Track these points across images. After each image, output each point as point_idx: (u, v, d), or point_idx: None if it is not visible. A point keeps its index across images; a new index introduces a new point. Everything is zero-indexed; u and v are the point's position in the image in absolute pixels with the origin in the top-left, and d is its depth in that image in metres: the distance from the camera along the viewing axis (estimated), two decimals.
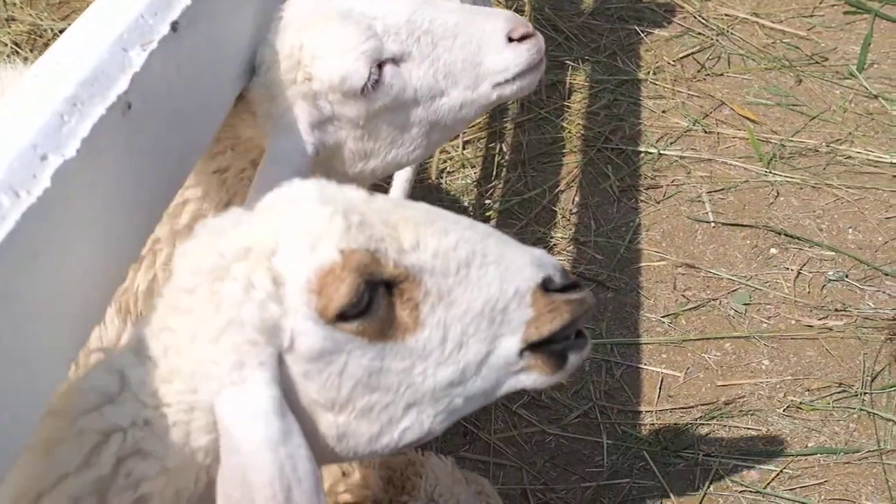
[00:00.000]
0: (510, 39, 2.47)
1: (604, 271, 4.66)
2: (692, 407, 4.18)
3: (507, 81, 2.49)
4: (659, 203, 5.04)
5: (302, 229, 1.64)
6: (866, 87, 5.74)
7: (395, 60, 2.39)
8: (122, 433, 1.65)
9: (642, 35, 6.14)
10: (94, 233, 1.68)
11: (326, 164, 2.43)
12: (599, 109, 5.55)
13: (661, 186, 5.14)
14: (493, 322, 1.72)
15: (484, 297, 1.71)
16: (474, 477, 2.56)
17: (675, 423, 4.11)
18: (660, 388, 4.24)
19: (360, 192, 1.78)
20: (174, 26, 1.94)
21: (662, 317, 4.51)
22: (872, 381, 4.20)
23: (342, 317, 1.62)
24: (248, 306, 1.61)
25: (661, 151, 5.31)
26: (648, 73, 5.85)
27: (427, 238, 1.69)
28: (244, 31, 2.38)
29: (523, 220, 4.89)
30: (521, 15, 6.15)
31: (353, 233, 1.63)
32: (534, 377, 1.79)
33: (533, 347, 1.76)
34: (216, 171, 2.51)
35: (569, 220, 4.91)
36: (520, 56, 2.47)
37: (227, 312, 1.62)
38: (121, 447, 1.65)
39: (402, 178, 4.33)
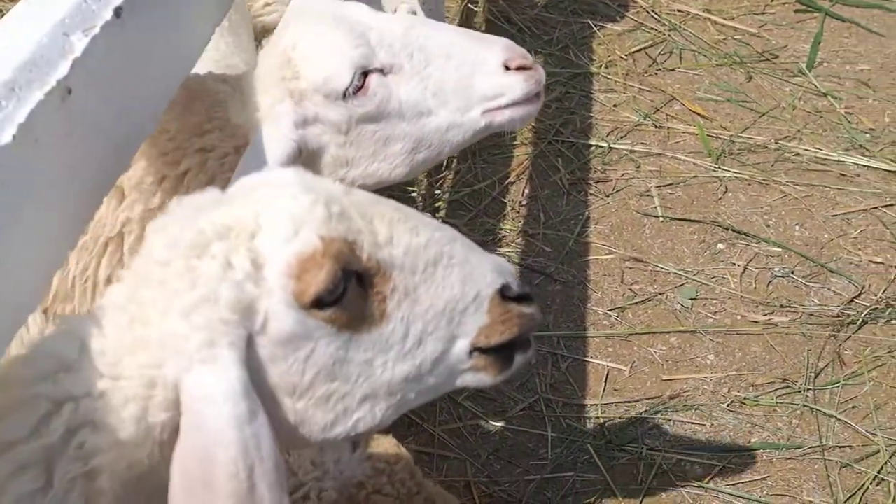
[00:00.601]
0: (507, 68, 2.43)
1: (552, 264, 4.66)
2: (637, 401, 4.19)
3: (498, 108, 2.46)
4: (608, 197, 5.05)
5: (284, 214, 1.66)
6: (816, 85, 5.78)
7: (384, 71, 2.39)
8: (74, 403, 1.64)
9: (595, 29, 6.15)
10: (28, 219, 1.66)
11: (308, 166, 2.42)
12: (551, 102, 5.55)
13: (611, 180, 5.15)
14: (452, 322, 1.78)
15: (446, 297, 1.76)
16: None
17: (619, 417, 4.13)
18: (605, 382, 4.25)
19: (338, 184, 1.81)
20: (117, 12, 1.92)
21: (609, 310, 4.52)
22: (816, 377, 4.23)
23: (317, 303, 1.65)
24: (225, 285, 1.63)
25: (612, 145, 5.32)
26: (600, 66, 5.87)
27: (400, 235, 1.74)
28: (193, 19, 2.36)
29: (472, 211, 4.89)
30: (476, 7, 6.16)
31: (334, 222, 1.67)
32: (479, 377, 1.84)
33: (481, 349, 1.82)
34: (200, 150, 2.49)
35: (518, 212, 4.91)
36: (515, 84, 2.43)
37: (202, 289, 1.63)
38: (72, 417, 1.64)
39: None
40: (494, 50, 2.43)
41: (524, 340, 1.86)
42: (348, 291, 1.68)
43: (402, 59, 2.40)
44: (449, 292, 1.77)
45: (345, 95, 2.36)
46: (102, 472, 1.65)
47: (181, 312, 1.63)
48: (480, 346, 1.81)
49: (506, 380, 1.90)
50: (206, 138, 2.50)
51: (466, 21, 6.16)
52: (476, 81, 2.42)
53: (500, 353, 1.83)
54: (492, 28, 6.11)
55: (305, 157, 2.43)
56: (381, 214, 1.74)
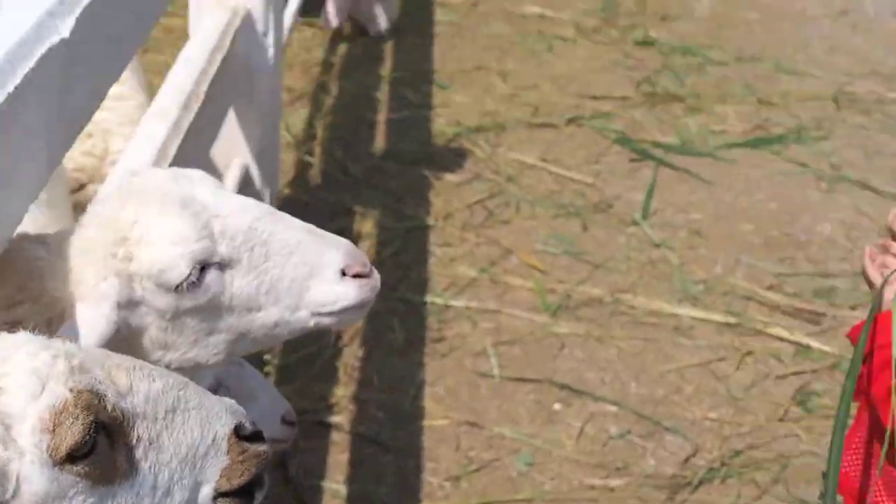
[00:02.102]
0: (343, 273, 2.38)
1: (384, 430, 4.56)
2: None
3: (329, 314, 2.40)
4: (444, 357, 4.99)
5: (26, 371, 1.63)
6: (650, 235, 5.84)
7: (222, 265, 2.30)
8: None
9: (432, 180, 6.15)
10: None
11: (126, 342, 2.30)
12: (387, 258, 5.51)
13: (447, 339, 5.09)
14: (195, 468, 1.77)
15: (188, 443, 1.75)
16: None
17: None
18: None
19: (69, 342, 1.79)
20: None
21: (444, 479, 4.42)
22: None
23: (70, 458, 1.60)
24: None
25: (448, 302, 5.28)
26: (437, 219, 5.85)
27: (138, 383, 1.72)
28: (6, 197, 2.22)
29: (303, 377, 4.76)
30: (312, 158, 6.13)
31: (77, 374, 1.65)
32: None
33: (225, 493, 1.82)
34: (9, 323, 2.27)
35: (350, 375, 4.81)
36: (350, 293, 2.38)
37: None
38: None
39: None
40: (335, 256, 2.37)
41: (260, 478, 1.86)
42: (98, 444, 1.64)
43: (242, 252, 2.31)
44: (189, 437, 1.76)
45: (177, 288, 2.26)
46: None
47: None
48: (223, 491, 1.80)
49: None
50: (16, 311, 2.34)
51: (302, 172, 6.11)
52: (312, 285, 2.36)
53: (240, 495, 1.83)
54: (328, 180, 6.08)
55: (125, 334, 2.30)
56: (118, 365, 1.73)
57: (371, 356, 4.92)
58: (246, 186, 4.96)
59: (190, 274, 2.24)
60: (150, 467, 1.71)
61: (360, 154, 6.36)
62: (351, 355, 4.91)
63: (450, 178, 6.22)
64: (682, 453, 4.56)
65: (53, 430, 1.59)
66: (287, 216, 2.41)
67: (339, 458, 4.44)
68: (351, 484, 4.17)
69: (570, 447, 4.60)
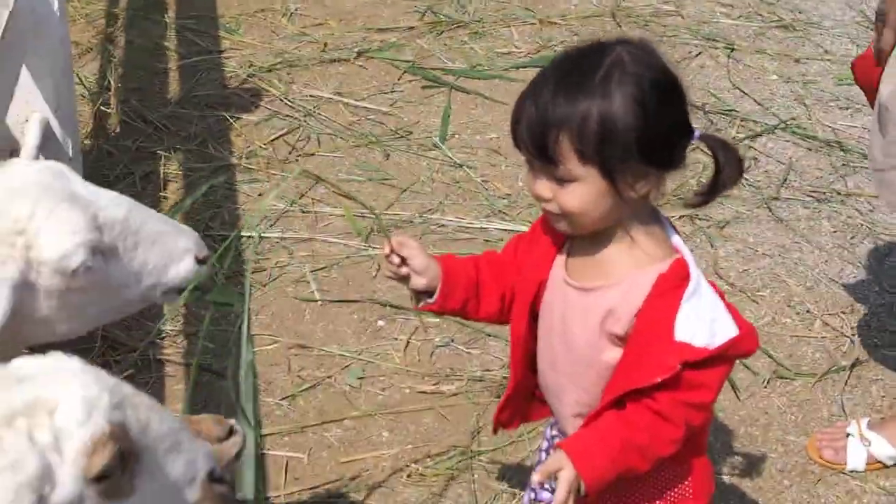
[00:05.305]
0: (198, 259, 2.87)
1: (217, 360, 4.61)
2: (318, 487, 4.20)
3: (178, 290, 2.89)
4: (265, 286, 5.06)
5: (79, 399, 1.93)
6: (450, 157, 6.01)
7: (104, 252, 2.66)
8: None
9: (231, 121, 6.18)
10: None
11: (16, 318, 2.57)
12: (197, 198, 5.52)
13: (266, 269, 5.16)
14: (174, 500, 2.13)
15: (174, 477, 2.09)
16: None
17: None
18: (285, 472, 4.24)
19: (110, 377, 2.08)
20: None
21: (280, 399, 4.52)
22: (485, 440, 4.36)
23: (97, 479, 1.92)
24: (31, 453, 1.87)
25: (263, 234, 5.34)
26: (241, 157, 5.89)
27: (153, 423, 2.04)
28: None
29: (133, 316, 4.74)
30: (109, 109, 6.07)
31: (114, 410, 1.96)
32: None
33: None
34: None
35: (178, 311, 4.84)
36: (199, 273, 2.88)
37: (10, 455, 1.86)
38: None
39: None
40: (189, 243, 2.87)
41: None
42: (116, 468, 1.96)
43: (119, 240, 2.70)
44: (176, 472, 2.09)
45: (73, 273, 2.59)
46: None
47: None
48: None
49: None
50: None
51: (101, 123, 6.06)
52: (170, 267, 2.81)
53: None
54: (127, 129, 6.04)
55: (14, 314, 2.58)
56: (140, 404, 2.04)
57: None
58: (47, 139, 4.91)
59: (85, 259, 2.59)
60: (145, 492, 2.03)
61: (157, 102, 6.33)
62: None
63: (248, 117, 6.25)
64: (505, 357, 4.74)
65: (91, 455, 1.91)
66: (147, 209, 2.82)
67: (175, 388, 4.49)
68: (191, 411, 4.20)
69: (398, 359, 4.74)
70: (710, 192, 2.80)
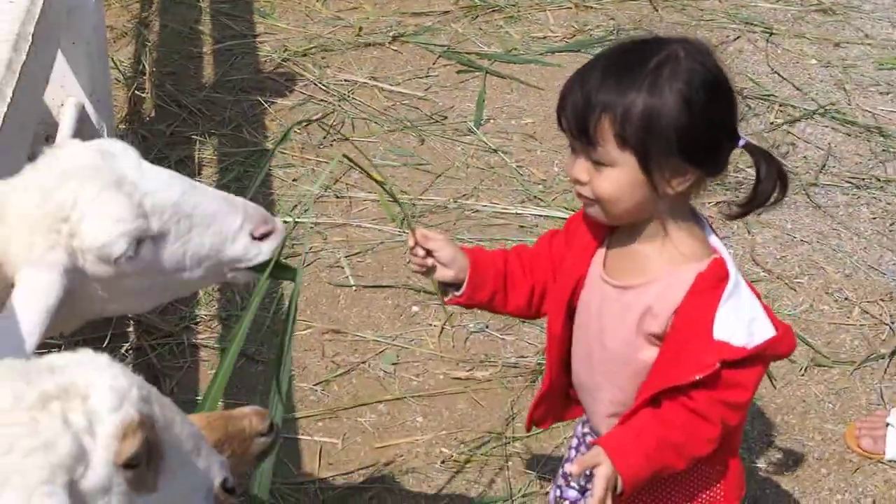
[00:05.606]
0: (253, 237, 2.76)
1: (252, 346, 4.61)
2: (353, 472, 4.20)
3: (245, 269, 2.81)
4: None
5: (110, 388, 1.96)
6: (485, 142, 5.98)
7: (153, 238, 2.61)
8: None
9: (266, 105, 6.17)
10: None
11: (70, 300, 2.56)
12: (230, 182, 5.53)
13: (300, 255, 5.15)
14: (195, 500, 2.13)
15: (192, 483, 2.11)
16: None
17: (338, 491, 4.11)
18: (319, 457, 4.23)
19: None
20: None
21: (314, 385, 4.51)
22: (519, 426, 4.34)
23: (127, 465, 1.93)
24: (65, 436, 1.87)
25: (297, 220, 5.34)
26: (283, 140, 5.84)
27: (174, 423, 2.06)
28: None
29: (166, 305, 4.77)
30: (143, 94, 6.08)
31: (142, 403, 1.99)
32: None
33: None
34: None
35: (212, 296, 4.84)
36: (264, 251, 2.78)
37: (44, 436, 1.86)
38: None
39: None
40: (243, 222, 2.75)
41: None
42: (143, 460, 1.97)
43: (171, 224, 2.63)
44: (195, 478, 2.12)
45: (116, 261, 2.55)
46: None
47: (23, 453, 1.84)
48: None
49: None
50: None
51: (135, 107, 6.06)
52: (228, 248, 2.73)
53: None
54: (162, 113, 6.04)
55: (67, 296, 2.56)
56: (165, 404, 2.06)
57: None
58: (82, 124, 4.93)
59: (127, 249, 2.55)
60: (166, 492, 2.04)
61: (191, 86, 6.32)
62: None
63: (282, 102, 6.24)
64: (540, 343, 4.72)
65: (122, 440, 1.93)
66: (203, 186, 2.74)
67: (209, 373, 4.48)
68: (225, 396, 4.21)
69: (432, 345, 4.73)
70: (747, 205, 2.78)
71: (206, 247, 2.69)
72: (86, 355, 2.09)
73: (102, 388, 1.97)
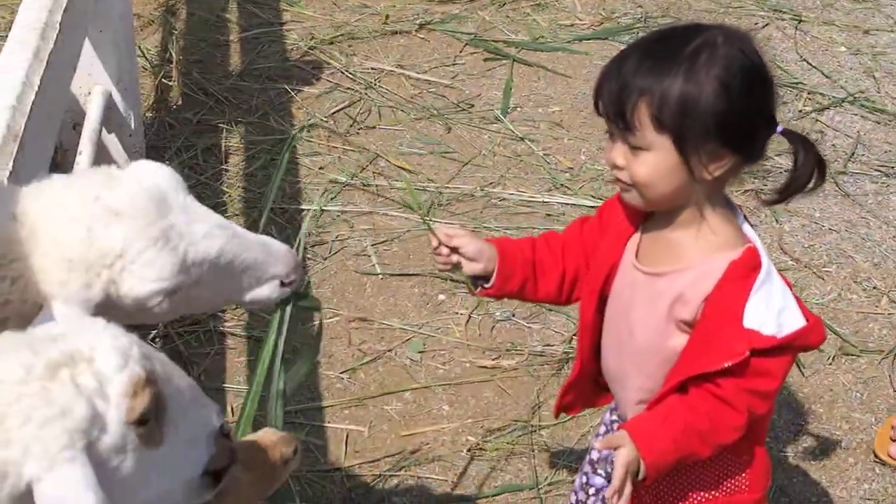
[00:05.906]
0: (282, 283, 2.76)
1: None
2: (379, 460, 4.20)
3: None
4: (326, 259, 5.06)
5: (113, 349, 1.99)
6: (512, 130, 5.97)
7: (189, 285, 2.58)
8: None
9: (292, 93, 6.17)
10: None
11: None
12: (257, 170, 5.54)
13: (326, 242, 5.16)
14: (193, 450, 2.17)
15: (194, 431, 2.14)
16: None
17: (364, 479, 4.12)
18: (346, 445, 4.24)
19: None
20: None
21: (341, 373, 4.52)
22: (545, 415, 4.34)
23: (138, 421, 1.96)
24: (79, 400, 1.91)
25: (323, 207, 5.34)
26: (302, 130, 5.88)
27: (176, 378, 2.10)
28: None
29: None
30: (170, 82, 6.09)
31: (144, 360, 2.03)
32: (201, 493, 2.24)
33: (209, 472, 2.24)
34: None
35: None
36: (283, 294, 2.77)
37: (59, 404, 1.89)
38: None
39: None
40: (279, 271, 2.74)
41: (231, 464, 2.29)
42: (152, 415, 2.01)
43: (208, 273, 2.61)
44: (195, 426, 2.14)
45: (149, 308, 2.56)
46: None
47: (40, 423, 1.87)
48: (209, 470, 2.19)
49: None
50: None
51: (162, 95, 6.08)
52: (256, 289, 2.72)
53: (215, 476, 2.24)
54: (189, 101, 6.04)
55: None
56: (162, 359, 2.09)
57: None
58: (109, 111, 4.94)
59: (163, 301, 2.53)
60: (171, 443, 2.07)
61: (218, 74, 6.33)
62: None
63: (309, 90, 6.24)
64: (566, 332, 4.72)
65: (132, 397, 1.96)
66: (244, 233, 2.71)
67: (236, 361, 4.51)
68: (251, 384, 4.21)
69: (458, 334, 4.73)
70: (783, 191, 2.77)
71: (237, 291, 2.74)
72: (81, 320, 2.15)
73: (106, 350, 2.00)
